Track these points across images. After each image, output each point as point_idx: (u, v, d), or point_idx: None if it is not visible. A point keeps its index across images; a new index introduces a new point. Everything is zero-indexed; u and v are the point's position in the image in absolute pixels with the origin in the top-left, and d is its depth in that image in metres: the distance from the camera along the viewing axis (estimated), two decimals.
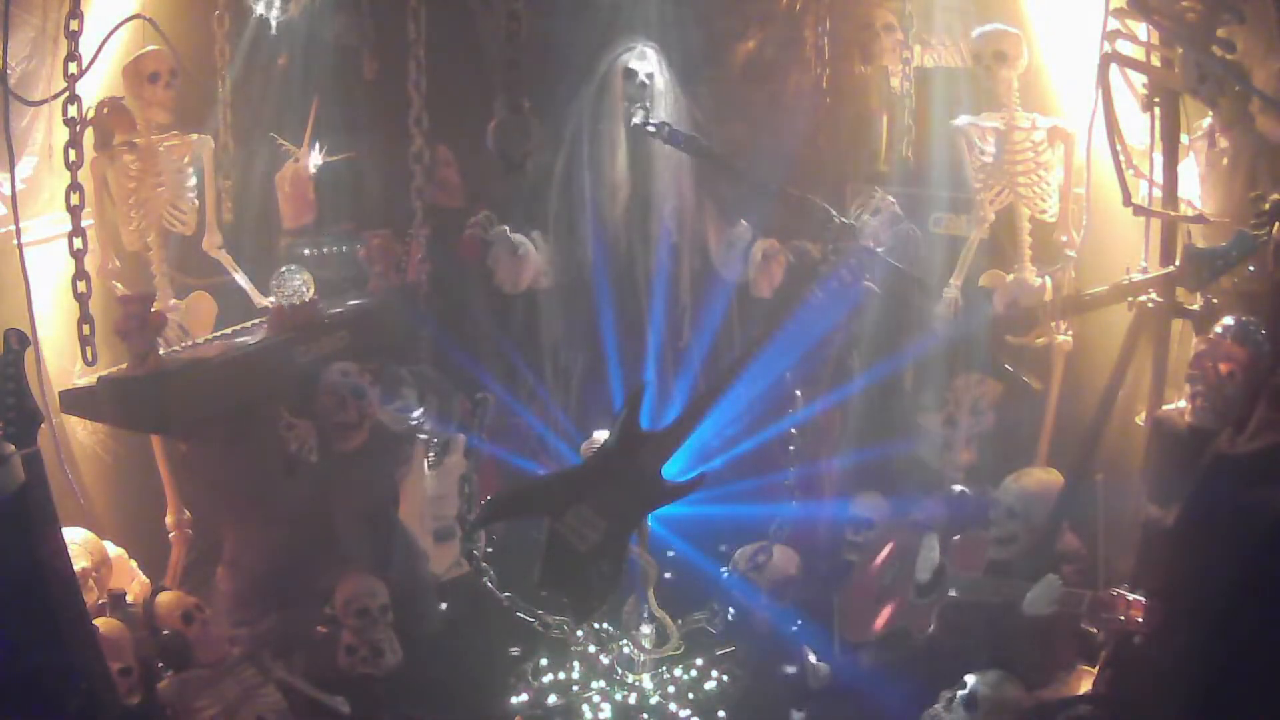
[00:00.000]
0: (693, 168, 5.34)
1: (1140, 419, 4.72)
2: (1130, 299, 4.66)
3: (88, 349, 4.60)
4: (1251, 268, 4.17)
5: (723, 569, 5.03)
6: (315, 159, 5.64)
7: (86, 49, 4.55)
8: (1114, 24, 4.47)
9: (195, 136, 5.13)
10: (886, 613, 4.92)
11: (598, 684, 4.72)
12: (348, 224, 5.80)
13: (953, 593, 4.57)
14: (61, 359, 4.92)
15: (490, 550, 5.03)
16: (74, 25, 4.47)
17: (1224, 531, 4.01)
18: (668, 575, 5.11)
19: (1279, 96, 4.15)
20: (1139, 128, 4.66)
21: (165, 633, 4.47)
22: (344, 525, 5.06)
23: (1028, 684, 4.33)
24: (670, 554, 5.05)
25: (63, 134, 4.57)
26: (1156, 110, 4.55)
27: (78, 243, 4.58)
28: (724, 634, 4.88)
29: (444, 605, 5.16)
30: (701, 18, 5.56)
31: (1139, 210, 4.56)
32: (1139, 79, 4.54)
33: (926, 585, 4.75)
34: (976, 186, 5.03)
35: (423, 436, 5.27)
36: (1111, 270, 4.80)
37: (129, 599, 4.67)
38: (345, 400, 4.99)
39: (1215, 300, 4.41)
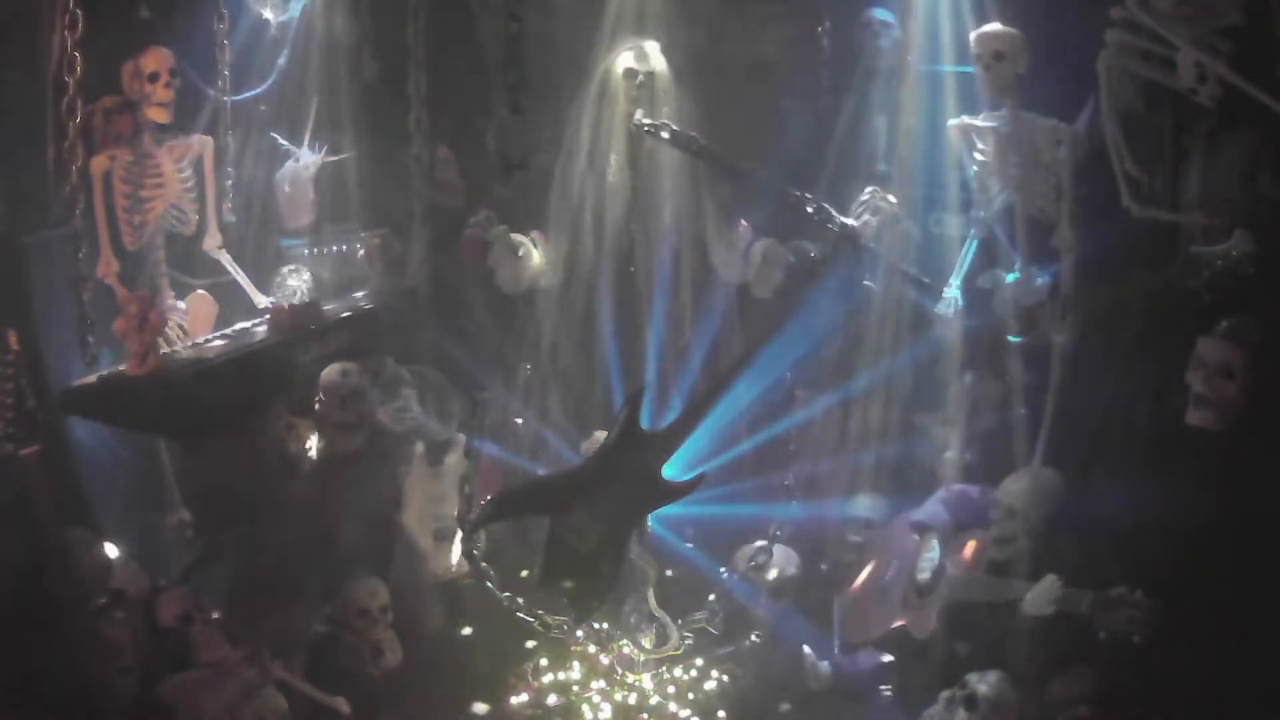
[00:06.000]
0: (693, 168, 5.34)
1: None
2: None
3: (88, 349, 4.59)
4: (1251, 268, 4.17)
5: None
6: (315, 159, 5.64)
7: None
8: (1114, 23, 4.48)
9: (195, 136, 5.13)
10: (886, 613, 4.92)
11: (598, 684, 4.72)
12: (348, 224, 5.80)
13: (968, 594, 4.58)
14: (62, 359, 4.92)
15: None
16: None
17: (1224, 530, 4.02)
18: (669, 573, 5.13)
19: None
20: (1139, 127, 4.66)
21: (165, 633, 4.47)
22: (344, 525, 5.06)
23: (1028, 684, 4.33)
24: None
25: None
26: (1156, 110, 4.55)
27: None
28: (724, 634, 4.89)
29: None
30: (701, 18, 5.56)
31: (1139, 210, 4.56)
32: (1139, 78, 4.54)
33: (926, 585, 4.75)
34: (975, 187, 5.03)
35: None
36: (1111, 270, 4.81)
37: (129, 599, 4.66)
38: (345, 400, 4.99)
39: (1215, 300, 4.40)
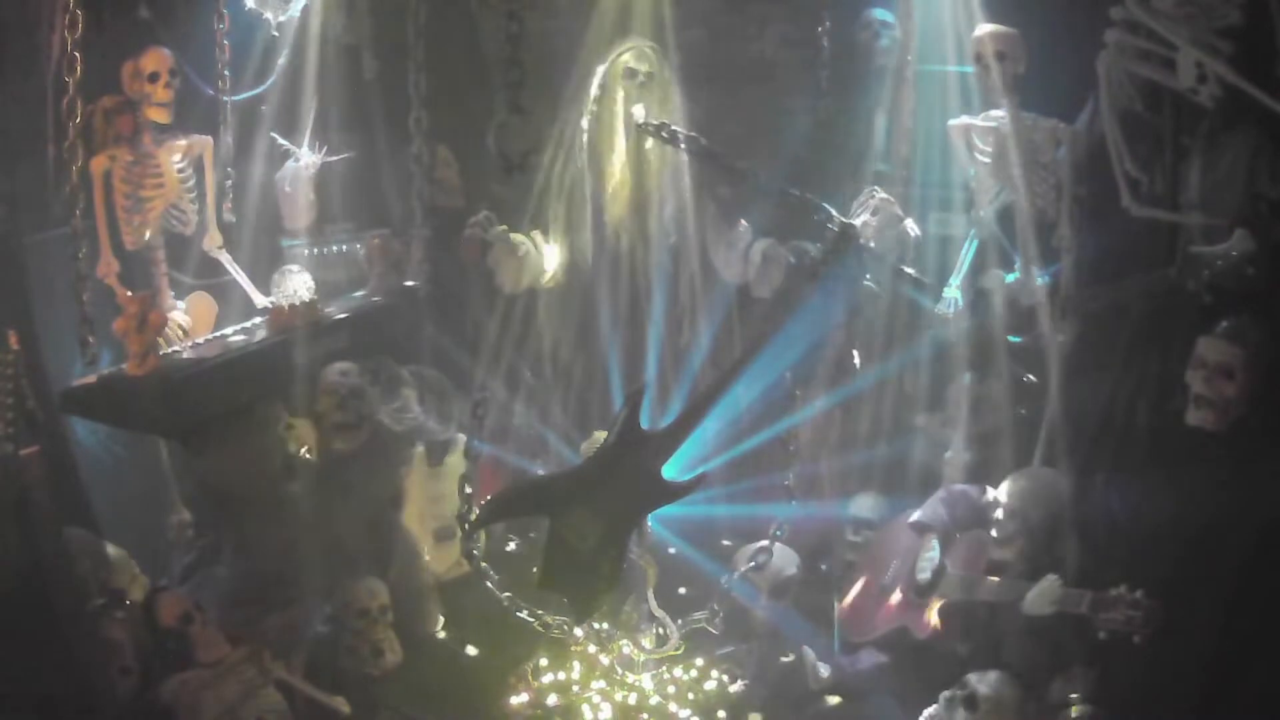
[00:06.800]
0: (693, 168, 5.33)
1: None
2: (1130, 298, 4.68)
3: (88, 349, 4.59)
4: (1251, 268, 4.17)
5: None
6: (315, 159, 5.65)
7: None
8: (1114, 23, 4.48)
9: (195, 136, 5.13)
10: (886, 613, 4.92)
11: (598, 684, 4.72)
12: (348, 224, 5.81)
13: (968, 594, 4.58)
14: (61, 359, 4.92)
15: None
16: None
17: (1224, 530, 4.02)
18: (682, 591, 5.14)
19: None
20: (1139, 127, 4.66)
21: (165, 633, 4.47)
22: (344, 525, 5.06)
23: (1028, 684, 4.33)
24: (671, 551, 5.07)
25: None
26: (1156, 110, 4.55)
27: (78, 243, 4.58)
28: (724, 634, 4.89)
29: None
30: (701, 18, 5.56)
31: (1139, 210, 4.56)
32: (1139, 78, 4.54)
33: (926, 585, 4.75)
34: (975, 187, 5.03)
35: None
36: (1111, 270, 4.80)
37: (129, 599, 4.67)
38: (345, 400, 4.99)
39: (1214, 300, 4.41)
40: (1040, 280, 4.92)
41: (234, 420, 4.83)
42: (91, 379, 4.62)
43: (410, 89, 5.18)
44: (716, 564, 5.07)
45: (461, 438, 5.28)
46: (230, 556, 5.01)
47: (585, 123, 5.31)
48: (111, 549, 4.78)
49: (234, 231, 5.41)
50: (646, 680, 4.72)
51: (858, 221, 5.11)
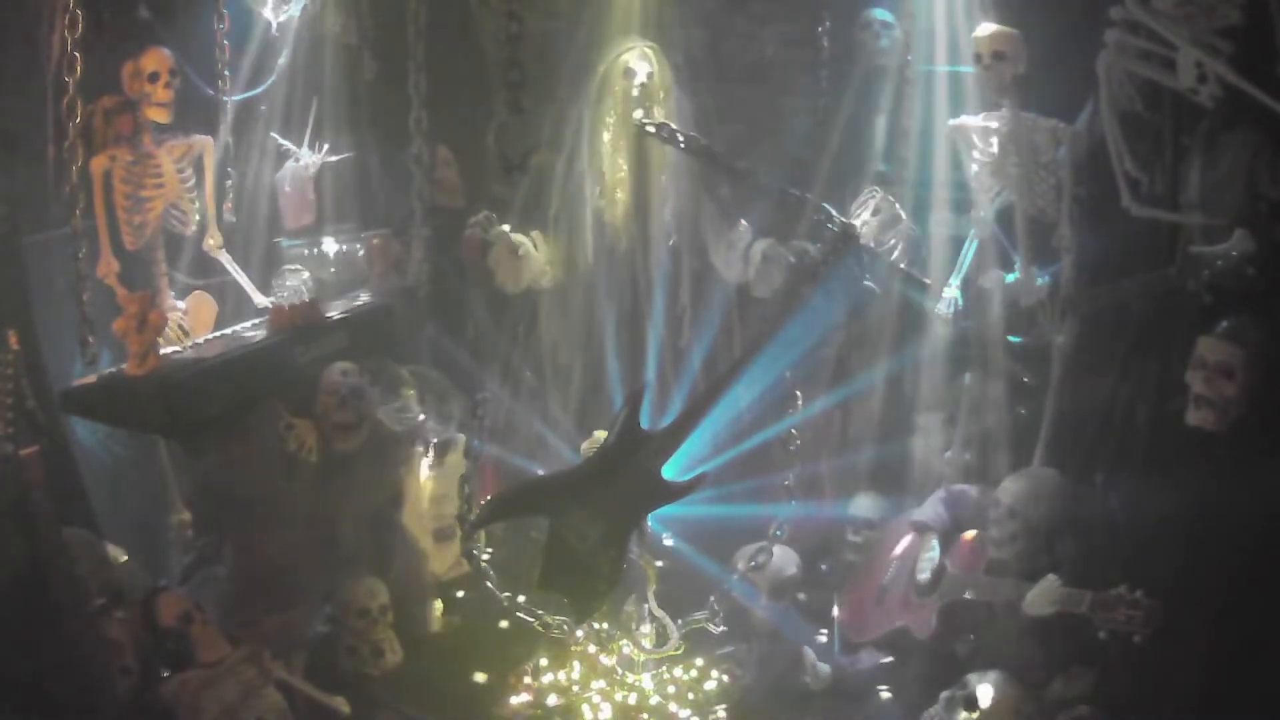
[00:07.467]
0: (693, 168, 5.34)
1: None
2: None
3: (88, 349, 4.59)
4: (1251, 268, 4.16)
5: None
6: (315, 159, 5.65)
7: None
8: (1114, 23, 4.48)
9: (195, 136, 5.13)
10: (886, 613, 4.92)
11: (598, 684, 4.72)
12: (348, 224, 5.81)
13: (968, 594, 4.58)
14: (61, 359, 4.92)
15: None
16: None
17: (1224, 530, 4.02)
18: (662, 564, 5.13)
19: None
20: (1139, 127, 4.66)
21: (165, 633, 4.47)
22: (344, 525, 5.06)
23: (1028, 684, 4.34)
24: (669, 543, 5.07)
25: None
26: (1156, 110, 4.55)
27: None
28: (724, 634, 4.89)
29: None
30: (701, 18, 5.56)
31: (1139, 210, 4.55)
32: (1139, 78, 4.54)
33: (926, 585, 4.75)
34: (975, 186, 5.03)
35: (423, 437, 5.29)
36: (1111, 270, 4.80)
37: (129, 599, 4.66)
38: (345, 400, 4.99)
39: (1214, 300, 4.41)
40: (1040, 280, 4.92)
41: (234, 420, 4.83)
42: (91, 379, 4.62)
43: (410, 89, 5.18)
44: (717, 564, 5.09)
45: (461, 438, 5.28)
46: (230, 556, 5.00)
47: (585, 123, 5.32)
48: (111, 549, 4.78)
49: (234, 231, 5.41)
50: (646, 680, 4.72)
51: (858, 221, 5.12)
